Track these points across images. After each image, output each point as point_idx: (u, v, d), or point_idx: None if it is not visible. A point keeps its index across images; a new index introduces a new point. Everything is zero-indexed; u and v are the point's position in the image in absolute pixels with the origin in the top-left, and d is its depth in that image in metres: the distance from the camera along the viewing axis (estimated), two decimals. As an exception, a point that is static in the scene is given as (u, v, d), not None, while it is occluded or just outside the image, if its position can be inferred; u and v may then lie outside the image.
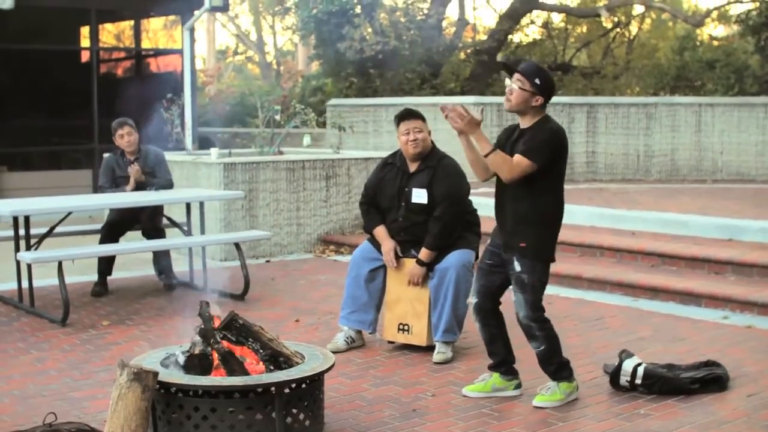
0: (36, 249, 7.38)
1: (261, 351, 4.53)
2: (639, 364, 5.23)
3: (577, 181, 13.41)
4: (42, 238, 7.51)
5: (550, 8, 21.28)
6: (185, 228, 8.29)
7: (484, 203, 9.53)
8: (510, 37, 20.62)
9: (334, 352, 5.27)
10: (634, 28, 23.71)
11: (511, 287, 5.04)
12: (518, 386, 5.25)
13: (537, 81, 4.84)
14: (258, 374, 4.41)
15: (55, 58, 14.23)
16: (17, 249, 7.24)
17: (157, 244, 7.93)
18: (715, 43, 21.72)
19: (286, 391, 4.34)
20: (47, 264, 7.26)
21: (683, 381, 5.22)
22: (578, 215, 9.52)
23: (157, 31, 16.36)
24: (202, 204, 8.23)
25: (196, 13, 13.05)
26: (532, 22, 22.93)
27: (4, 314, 7.22)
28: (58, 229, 7.74)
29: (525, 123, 4.94)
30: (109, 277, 8.07)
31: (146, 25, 16.14)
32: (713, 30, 25.71)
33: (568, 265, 8.27)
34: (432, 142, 6.09)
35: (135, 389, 3.93)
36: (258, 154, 11.00)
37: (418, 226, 5.99)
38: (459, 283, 5.87)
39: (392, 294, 6.13)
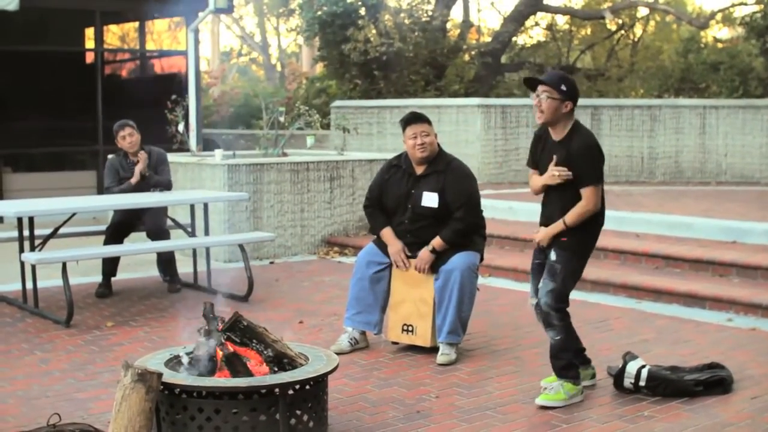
0: (40, 250, 7.38)
1: (265, 352, 4.53)
2: (643, 366, 5.23)
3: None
4: (46, 239, 7.52)
5: (555, 10, 21.27)
6: (189, 229, 8.30)
7: (489, 205, 9.54)
8: (514, 39, 20.62)
9: (338, 354, 5.28)
10: (638, 30, 23.69)
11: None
12: (593, 375, 5.34)
13: (563, 87, 4.95)
14: (262, 375, 4.41)
15: (59, 59, 14.24)
16: (21, 250, 7.26)
17: (162, 245, 7.94)
18: (720, 45, 21.71)
19: (290, 392, 4.34)
20: (51, 265, 7.28)
21: (687, 383, 5.22)
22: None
23: (162, 33, 16.37)
24: (206, 205, 8.24)
25: (201, 14, 13.05)
26: (537, 24, 22.91)
27: (8, 315, 7.23)
28: (62, 230, 7.75)
29: (558, 134, 5.04)
30: (113, 278, 8.08)
31: (151, 27, 16.15)
32: (717, 32, 25.69)
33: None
34: (438, 145, 6.09)
35: (139, 390, 3.94)
36: (262, 156, 11.00)
37: (425, 229, 5.99)
38: (464, 285, 5.87)
39: (397, 295, 6.13)
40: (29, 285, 7.34)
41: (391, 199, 6.11)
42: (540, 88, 4.97)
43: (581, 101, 5.09)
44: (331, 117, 15.57)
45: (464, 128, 13.50)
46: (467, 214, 5.95)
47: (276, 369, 4.49)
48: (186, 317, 7.04)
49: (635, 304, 7.56)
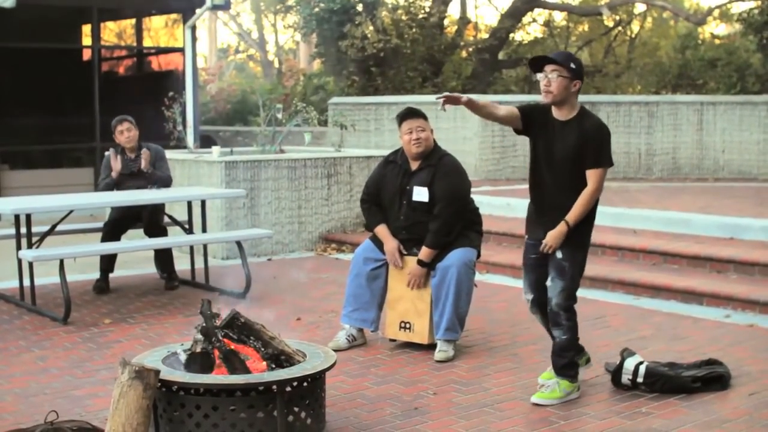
0: (37, 247, 7.38)
1: (262, 349, 4.52)
2: (641, 363, 5.23)
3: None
4: (43, 236, 7.52)
5: (552, 6, 21.28)
6: (187, 226, 8.29)
7: (486, 201, 9.54)
8: (512, 35, 20.63)
9: (335, 351, 5.27)
10: (635, 26, 23.72)
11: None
12: (588, 360, 5.32)
13: (572, 65, 4.89)
14: (260, 372, 4.41)
15: (56, 56, 14.23)
16: (19, 247, 7.25)
17: (159, 242, 7.93)
18: (717, 41, 21.73)
19: (288, 389, 4.34)
20: (49, 262, 7.27)
21: (685, 379, 5.22)
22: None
23: (159, 30, 16.36)
24: (203, 202, 8.23)
25: (198, 11, 13.05)
26: (534, 21, 22.94)
27: (5, 312, 7.22)
28: (59, 228, 7.74)
29: (562, 115, 4.95)
30: (110, 275, 8.07)
31: (148, 24, 16.15)
32: (715, 28, 25.73)
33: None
34: (434, 141, 6.08)
35: (136, 387, 3.93)
36: (259, 153, 11.00)
37: (420, 225, 5.98)
38: (461, 281, 5.87)
39: (394, 292, 6.13)
40: (26, 282, 7.33)
41: (386, 195, 6.10)
42: (549, 67, 4.88)
43: (579, 98, 5.06)
44: (328, 114, 15.57)
45: (462, 125, 13.49)
46: (444, 210, 5.90)
47: (273, 366, 4.49)
48: (183, 314, 7.04)
49: (633, 301, 7.56)
